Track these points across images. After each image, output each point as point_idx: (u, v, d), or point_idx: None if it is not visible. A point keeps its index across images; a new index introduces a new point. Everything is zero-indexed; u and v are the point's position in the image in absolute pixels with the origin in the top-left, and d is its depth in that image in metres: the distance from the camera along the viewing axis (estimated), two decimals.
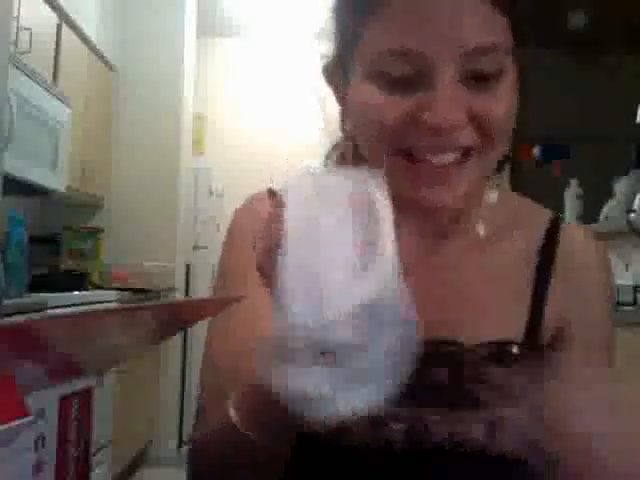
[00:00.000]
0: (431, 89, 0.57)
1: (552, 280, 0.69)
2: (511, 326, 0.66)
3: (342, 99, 0.67)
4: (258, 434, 0.57)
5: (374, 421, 0.64)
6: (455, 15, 0.56)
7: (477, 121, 0.59)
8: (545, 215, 0.74)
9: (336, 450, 0.65)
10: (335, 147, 0.74)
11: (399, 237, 0.55)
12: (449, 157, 0.59)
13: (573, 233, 0.73)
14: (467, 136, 0.59)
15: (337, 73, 0.66)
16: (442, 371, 0.65)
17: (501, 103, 0.59)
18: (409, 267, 0.56)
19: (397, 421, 0.64)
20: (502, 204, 0.72)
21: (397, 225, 0.55)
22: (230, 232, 0.76)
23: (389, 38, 0.57)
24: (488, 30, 0.57)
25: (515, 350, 0.65)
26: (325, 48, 0.68)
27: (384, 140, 0.60)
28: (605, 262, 0.73)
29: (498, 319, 0.65)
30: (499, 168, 0.72)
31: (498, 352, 0.65)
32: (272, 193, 0.61)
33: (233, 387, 0.60)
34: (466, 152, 0.60)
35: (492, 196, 0.72)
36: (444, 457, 0.64)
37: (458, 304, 0.68)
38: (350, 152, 0.70)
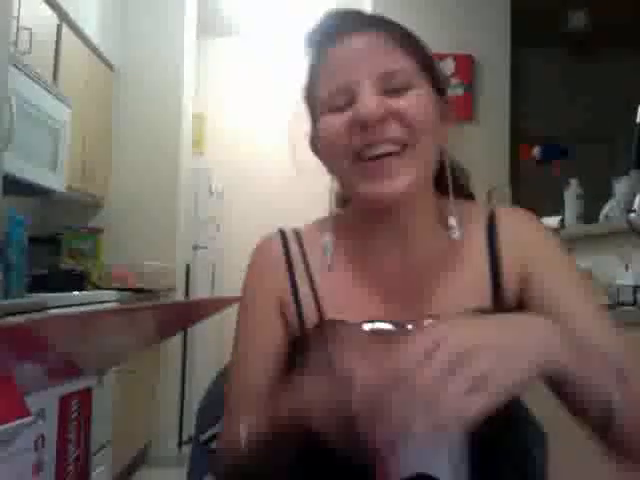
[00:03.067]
0: (357, 101, 0.79)
1: (502, 253, 0.86)
2: (480, 297, 0.84)
3: (314, 145, 0.89)
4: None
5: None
6: (365, 56, 0.81)
7: (396, 115, 0.79)
8: (484, 210, 0.91)
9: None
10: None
11: (373, 254, 0.86)
12: (384, 148, 0.79)
13: (506, 211, 0.91)
14: (393, 129, 0.78)
15: (312, 131, 0.88)
16: None
17: (413, 104, 0.80)
18: (385, 274, 0.85)
19: None
20: (448, 206, 0.89)
21: (373, 237, 0.86)
22: (248, 271, 0.92)
23: (329, 83, 0.82)
24: (391, 61, 0.81)
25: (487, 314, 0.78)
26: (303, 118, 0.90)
27: (340, 149, 0.81)
28: (536, 223, 0.90)
29: (468, 293, 0.82)
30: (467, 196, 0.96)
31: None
32: (282, 233, 0.92)
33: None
34: (398, 147, 0.79)
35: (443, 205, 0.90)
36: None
37: (433, 287, 0.85)
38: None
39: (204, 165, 4.72)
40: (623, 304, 2.28)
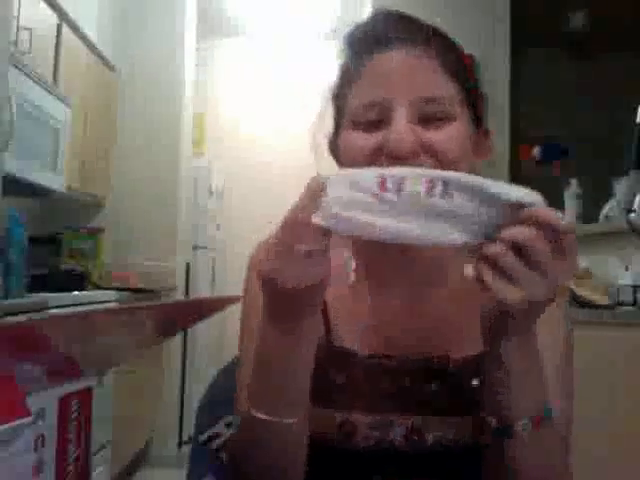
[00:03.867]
0: (390, 126, 0.74)
1: None
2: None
3: (333, 150, 0.85)
4: (270, 409, 0.69)
5: (377, 427, 0.78)
6: (406, 75, 0.76)
7: (429, 151, 0.74)
8: None
9: (343, 453, 0.78)
10: None
11: (387, 282, 0.83)
12: None
13: None
14: (421, 162, 0.74)
15: (333, 135, 0.84)
16: (434, 383, 0.80)
17: (449, 138, 0.75)
18: (397, 305, 0.83)
19: (398, 426, 0.79)
20: None
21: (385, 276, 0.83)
22: (248, 271, 0.90)
23: (363, 95, 0.77)
24: (433, 86, 0.76)
25: None
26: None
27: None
28: None
29: (475, 339, 0.72)
30: None
31: (478, 364, 0.75)
32: None
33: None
34: None
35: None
36: (437, 457, 0.78)
37: (443, 332, 0.82)
38: None
39: (204, 165, 4.72)
40: (623, 304, 2.28)
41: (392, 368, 0.80)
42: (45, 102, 2.80)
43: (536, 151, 4.07)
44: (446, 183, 0.58)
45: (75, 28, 3.27)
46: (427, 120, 0.75)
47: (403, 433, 0.78)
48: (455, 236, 0.59)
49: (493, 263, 0.58)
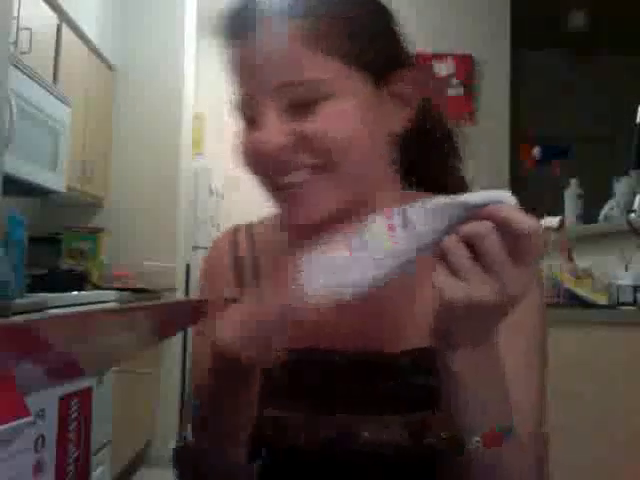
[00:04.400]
0: (258, 128, 0.68)
1: None
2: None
3: None
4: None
5: (306, 425, 0.73)
6: (269, 57, 0.67)
7: (303, 142, 0.66)
8: None
9: (278, 450, 0.73)
10: None
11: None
12: (294, 177, 0.68)
13: None
14: (302, 158, 0.67)
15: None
16: (371, 379, 0.72)
17: (326, 124, 0.66)
18: None
19: (327, 425, 0.72)
20: None
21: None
22: (199, 274, 0.87)
23: (235, 88, 0.71)
24: (298, 68, 0.66)
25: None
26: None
27: (252, 170, 0.72)
28: None
29: (420, 328, 0.65)
30: (434, 188, 0.78)
31: (420, 358, 0.70)
32: (235, 231, 0.85)
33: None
34: (316, 170, 0.68)
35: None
36: (371, 459, 0.71)
37: (381, 318, 0.74)
38: None
39: (204, 165, 4.71)
40: (623, 304, 2.28)
41: (324, 362, 0.74)
42: (45, 102, 2.80)
43: (536, 151, 4.07)
44: (405, 210, 0.56)
45: (75, 28, 3.27)
46: (299, 107, 0.66)
47: (333, 434, 0.72)
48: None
49: (444, 258, 0.54)
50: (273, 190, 0.72)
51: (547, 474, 0.71)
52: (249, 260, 0.83)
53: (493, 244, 0.52)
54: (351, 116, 0.68)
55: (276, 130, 0.67)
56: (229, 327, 0.60)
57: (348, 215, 0.69)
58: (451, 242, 0.54)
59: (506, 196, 0.54)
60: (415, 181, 0.82)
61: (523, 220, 0.52)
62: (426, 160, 0.81)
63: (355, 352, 0.73)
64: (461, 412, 0.59)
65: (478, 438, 0.58)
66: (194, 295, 4.36)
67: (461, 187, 0.83)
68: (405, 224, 0.56)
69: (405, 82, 0.72)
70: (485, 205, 0.54)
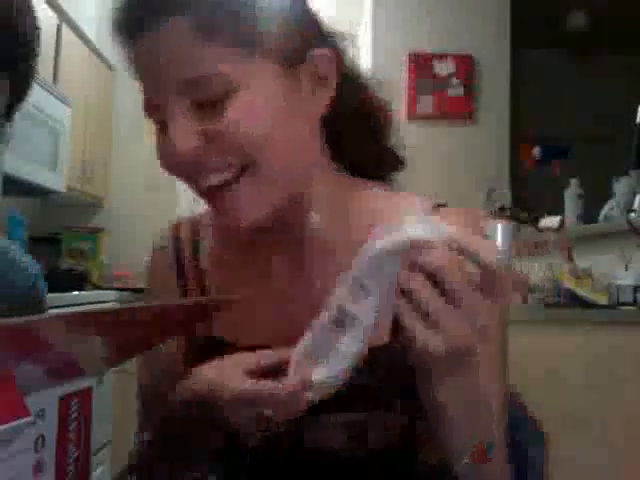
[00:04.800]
0: (166, 133, 0.64)
1: None
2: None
3: None
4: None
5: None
6: (162, 60, 0.62)
7: (217, 141, 0.62)
8: (422, 208, 0.74)
9: (233, 454, 0.69)
10: None
11: (266, 259, 0.73)
12: (215, 179, 0.64)
13: (451, 219, 0.73)
14: (217, 158, 0.63)
15: None
16: None
17: (237, 121, 0.62)
18: (281, 284, 0.72)
19: (279, 426, 0.67)
20: (369, 202, 0.74)
21: (262, 247, 0.72)
22: (148, 282, 0.84)
23: (141, 92, 0.66)
24: (194, 63, 0.61)
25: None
26: None
27: (178, 178, 0.68)
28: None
29: (383, 327, 0.62)
30: (388, 171, 0.79)
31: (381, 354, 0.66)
32: (177, 225, 0.83)
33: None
34: (233, 171, 0.64)
35: (355, 197, 0.74)
36: (311, 458, 0.69)
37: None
38: None
39: None
40: (623, 304, 2.28)
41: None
42: (45, 102, 2.80)
43: (536, 151, 4.07)
44: (355, 278, 0.54)
45: (75, 28, 3.27)
46: (204, 106, 0.62)
47: (287, 435, 0.67)
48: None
49: (410, 301, 0.51)
50: (199, 194, 0.68)
51: (547, 474, 0.71)
52: (189, 254, 0.80)
53: (459, 278, 0.50)
54: (262, 109, 0.63)
55: (183, 132, 0.63)
56: (237, 409, 0.59)
57: (286, 214, 0.69)
58: (417, 282, 0.51)
59: (442, 227, 0.53)
60: (348, 163, 0.77)
61: (485, 249, 0.51)
62: (354, 138, 0.76)
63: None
64: (449, 437, 0.58)
65: (467, 460, 0.57)
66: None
67: (396, 164, 0.80)
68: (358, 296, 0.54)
69: (320, 62, 0.67)
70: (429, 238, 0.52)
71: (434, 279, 0.51)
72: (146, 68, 0.64)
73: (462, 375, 0.55)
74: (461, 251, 0.51)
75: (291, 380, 0.58)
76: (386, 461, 0.68)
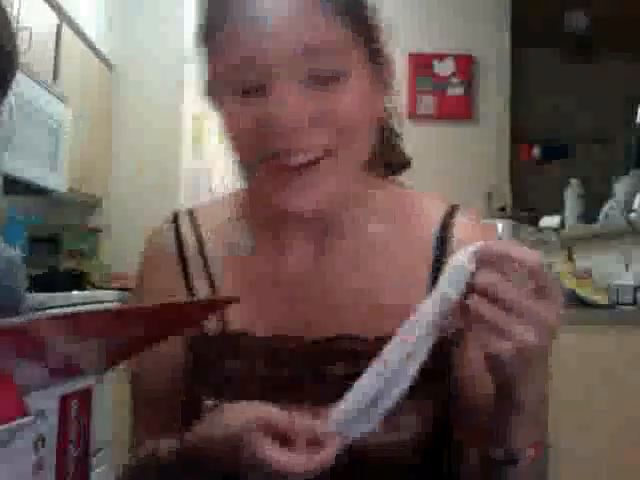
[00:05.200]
0: (271, 94, 0.61)
1: None
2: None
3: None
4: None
5: None
6: (282, 19, 0.60)
7: (325, 120, 0.61)
8: (440, 209, 0.75)
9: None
10: None
11: (287, 246, 0.71)
12: (302, 158, 0.62)
13: (465, 225, 0.73)
14: (318, 136, 0.62)
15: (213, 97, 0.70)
16: (339, 366, 0.68)
17: (345, 102, 0.62)
18: (300, 273, 0.71)
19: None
20: (392, 202, 0.75)
21: (284, 234, 0.71)
22: (138, 268, 0.81)
23: (234, 50, 0.62)
24: (320, 30, 0.60)
25: None
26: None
27: (248, 150, 0.65)
28: None
29: (397, 313, 0.60)
30: (395, 171, 0.79)
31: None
32: (175, 217, 0.79)
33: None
34: (322, 154, 0.63)
35: (379, 195, 0.75)
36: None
37: (355, 302, 0.70)
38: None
39: (204, 165, 4.71)
40: (623, 304, 2.28)
41: (290, 350, 0.68)
42: (44, 102, 2.80)
43: (536, 151, 4.08)
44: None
45: (75, 28, 3.27)
46: (317, 79, 0.61)
47: None
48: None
49: (472, 317, 0.54)
50: (266, 171, 0.64)
51: (546, 474, 0.71)
52: (195, 251, 0.76)
53: (506, 286, 0.53)
54: (366, 96, 0.64)
55: (300, 98, 0.60)
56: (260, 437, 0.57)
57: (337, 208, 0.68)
58: (476, 302, 0.54)
59: (482, 244, 0.55)
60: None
61: (524, 254, 0.53)
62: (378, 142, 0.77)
63: (329, 337, 0.69)
64: (518, 428, 0.60)
65: (531, 452, 0.60)
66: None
67: (403, 164, 0.81)
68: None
69: (388, 67, 0.69)
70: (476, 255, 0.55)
71: (493, 297, 0.53)
72: (255, 23, 0.61)
73: (538, 375, 0.58)
74: (511, 261, 0.53)
75: (328, 456, 0.56)
76: (417, 448, 0.68)
